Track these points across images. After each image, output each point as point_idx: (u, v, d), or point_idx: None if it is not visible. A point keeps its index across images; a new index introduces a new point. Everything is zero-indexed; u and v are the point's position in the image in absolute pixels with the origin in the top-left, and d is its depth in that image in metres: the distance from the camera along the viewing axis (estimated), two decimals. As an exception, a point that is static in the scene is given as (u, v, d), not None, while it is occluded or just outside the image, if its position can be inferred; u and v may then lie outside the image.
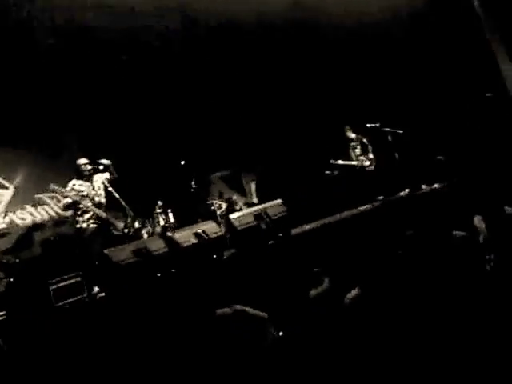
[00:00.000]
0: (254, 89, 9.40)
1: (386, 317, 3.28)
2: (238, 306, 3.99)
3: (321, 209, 7.45)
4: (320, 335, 3.71)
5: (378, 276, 3.58)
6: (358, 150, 8.51)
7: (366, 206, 7.13)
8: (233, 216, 6.38)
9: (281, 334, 3.85)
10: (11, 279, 6.63)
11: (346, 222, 6.66)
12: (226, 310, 3.94)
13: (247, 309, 3.96)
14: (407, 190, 7.47)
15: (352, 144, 8.52)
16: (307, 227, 6.58)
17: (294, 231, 6.50)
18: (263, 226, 6.31)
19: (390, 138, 7.79)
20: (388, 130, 7.71)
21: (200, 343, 3.86)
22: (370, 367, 3.05)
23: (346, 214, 7.00)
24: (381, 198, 7.55)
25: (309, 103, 9.46)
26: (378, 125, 7.73)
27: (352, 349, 3.28)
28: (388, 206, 6.96)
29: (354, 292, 3.58)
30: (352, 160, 8.45)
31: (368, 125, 7.78)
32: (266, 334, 3.78)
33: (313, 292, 4.27)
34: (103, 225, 6.31)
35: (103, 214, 6.31)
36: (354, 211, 7.05)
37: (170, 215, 7.98)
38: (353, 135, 8.50)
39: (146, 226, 7.53)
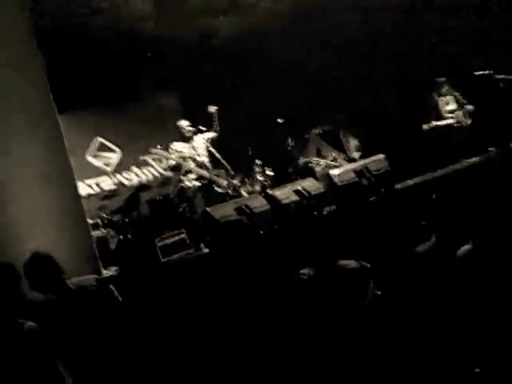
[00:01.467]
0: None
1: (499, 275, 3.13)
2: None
3: (424, 163, 7.16)
4: (427, 294, 3.60)
5: (493, 231, 3.38)
6: (450, 106, 7.89)
7: (475, 158, 6.76)
8: (333, 172, 6.27)
9: (379, 292, 3.75)
10: (121, 237, 7.00)
11: (451, 176, 6.37)
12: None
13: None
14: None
15: (444, 99, 7.89)
16: (411, 182, 6.34)
17: (397, 186, 6.30)
18: (365, 182, 6.16)
19: (502, 85, 7.23)
20: (502, 76, 7.15)
21: (300, 298, 3.86)
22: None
23: (450, 168, 6.68)
24: (492, 149, 7.06)
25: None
26: (490, 72, 7.19)
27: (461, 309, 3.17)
28: (501, 157, 6.54)
29: (466, 247, 3.41)
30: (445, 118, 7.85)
31: (477, 73, 7.26)
32: (368, 291, 3.71)
33: (420, 248, 4.11)
34: (206, 183, 6.47)
35: (206, 174, 6.47)
36: (460, 165, 6.71)
37: (269, 173, 8.02)
38: (444, 89, 7.87)
39: (245, 185, 7.62)
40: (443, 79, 7.93)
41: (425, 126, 7.81)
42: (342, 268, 3.66)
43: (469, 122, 7.86)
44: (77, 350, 3.22)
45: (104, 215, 7.32)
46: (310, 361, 3.33)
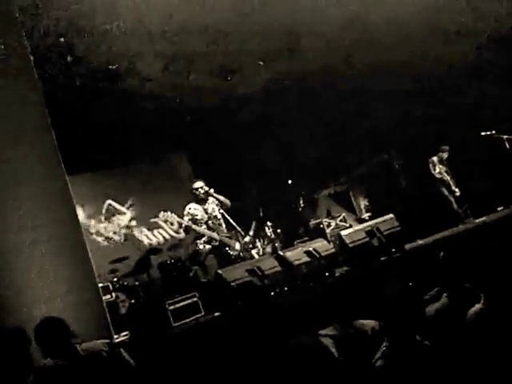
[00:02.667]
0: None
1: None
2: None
3: (434, 223, 7.18)
4: (438, 352, 3.54)
5: (505, 290, 3.35)
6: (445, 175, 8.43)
7: (483, 218, 6.77)
8: (344, 233, 6.29)
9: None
10: (132, 301, 6.97)
11: (462, 235, 6.36)
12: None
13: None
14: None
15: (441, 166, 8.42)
16: (421, 242, 6.34)
17: (408, 246, 6.29)
18: (375, 242, 6.16)
19: (507, 144, 7.41)
20: (506, 136, 7.32)
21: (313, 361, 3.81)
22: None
23: (461, 227, 6.69)
24: (500, 208, 7.14)
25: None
26: (493, 132, 7.35)
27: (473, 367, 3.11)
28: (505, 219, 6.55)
29: (478, 306, 3.37)
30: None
31: (483, 133, 7.43)
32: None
33: (430, 308, 4.07)
34: (217, 246, 6.51)
35: (217, 236, 6.51)
36: (471, 224, 6.72)
37: (280, 235, 8.07)
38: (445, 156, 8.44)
39: (256, 247, 7.64)
40: (447, 147, 8.34)
41: (436, 174, 8.30)
42: (361, 328, 3.64)
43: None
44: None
45: (115, 279, 7.32)
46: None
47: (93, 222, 8.33)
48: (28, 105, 5.04)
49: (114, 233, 8.49)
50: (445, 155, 8.45)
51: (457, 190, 8.36)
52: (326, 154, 9.25)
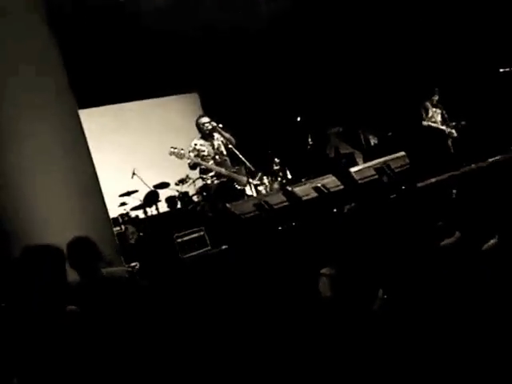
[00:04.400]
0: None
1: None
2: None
3: (445, 162, 7.12)
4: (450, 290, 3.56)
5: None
6: (439, 117, 8.42)
7: (496, 157, 6.67)
8: (353, 169, 6.22)
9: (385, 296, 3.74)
10: (141, 233, 7.03)
11: (473, 174, 6.29)
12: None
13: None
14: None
15: (434, 109, 8.39)
16: (432, 180, 6.27)
17: (419, 184, 6.23)
18: (385, 180, 6.10)
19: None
20: None
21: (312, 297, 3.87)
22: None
23: (473, 166, 6.61)
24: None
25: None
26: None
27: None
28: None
29: (492, 241, 3.37)
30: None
31: (502, 69, 7.22)
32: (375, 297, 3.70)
33: (445, 242, 4.08)
34: (225, 181, 6.49)
35: (225, 171, 6.49)
36: (482, 164, 6.63)
37: (288, 172, 8.02)
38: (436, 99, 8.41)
39: (264, 183, 7.62)
40: (437, 89, 8.37)
41: (424, 123, 8.34)
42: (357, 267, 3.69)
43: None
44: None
45: (124, 211, 7.37)
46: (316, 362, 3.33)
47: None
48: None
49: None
50: (435, 98, 8.39)
51: (453, 131, 8.35)
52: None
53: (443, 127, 8.41)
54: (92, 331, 3.02)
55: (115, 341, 3.21)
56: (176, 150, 6.37)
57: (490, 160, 6.59)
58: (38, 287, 3.07)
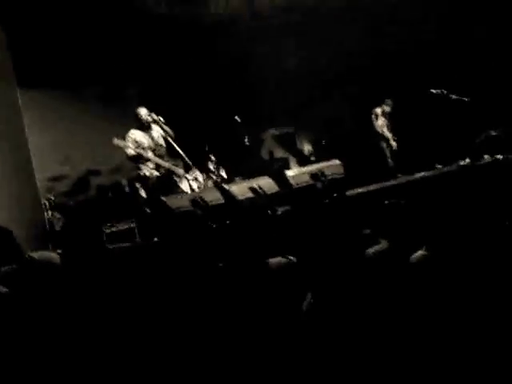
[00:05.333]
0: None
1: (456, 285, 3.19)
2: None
3: (377, 173, 7.37)
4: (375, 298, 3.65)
5: (446, 238, 3.48)
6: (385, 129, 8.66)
7: (423, 173, 6.99)
8: (289, 173, 6.35)
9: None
10: (67, 220, 6.83)
11: (402, 187, 6.55)
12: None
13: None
14: (468, 160, 7.27)
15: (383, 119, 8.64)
16: (363, 190, 6.48)
17: (350, 193, 6.42)
18: (319, 186, 6.25)
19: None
20: (455, 96, 7.48)
21: (250, 294, 3.87)
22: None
23: (403, 179, 6.89)
24: (439, 166, 7.37)
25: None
26: (444, 91, 7.48)
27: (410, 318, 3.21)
28: (447, 174, 6.79)
29: (420, 252, 3.49)
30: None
31: (433, 90, 7.56)
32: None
33: (369, 250, 4.19)
34: (164, 173, 6.47)
35: (164, 163, 6.46)
36: (412, 177, 6.92)
37: (222, 170, 8.03)
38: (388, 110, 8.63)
39: (199, 180, 7.60)
40: (390, 101, 8.61)
41: (377, 128, 8.58)
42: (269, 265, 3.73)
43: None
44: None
45: (51, 197, 7.12)
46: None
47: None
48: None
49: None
50: (387, 108, 8.63)
51: (394, 144, 8.63)
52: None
53: (389, 135, 8.65)
54: (22, 315, 2.94)
55: (46, 326, 3.12)
56: (119, 141, 6.32)
57: (420, 175, 6.89)
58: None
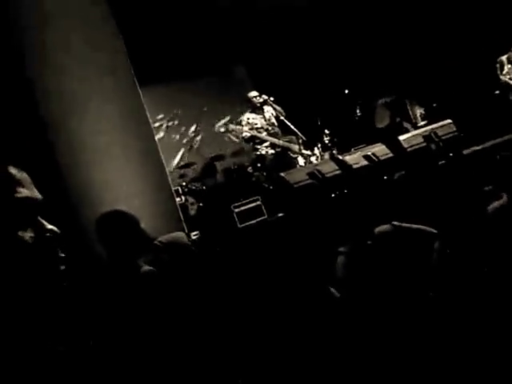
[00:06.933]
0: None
1: None
2: (396, 223, 4.13)
3: (492, 129, 7.20)
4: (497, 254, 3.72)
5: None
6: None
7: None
8: (402, 137, 6.42)
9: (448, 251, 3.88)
10: (200, 204, 7.44)
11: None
12: (384, 226, 4.08)
13: (404, 224, 4.07)
14: None
15: (510, 66, 8.13)
16: (478, 148, 6.42)
17: (466, 151, 6.40)
18: (433, 147, 6.29)
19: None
20: None
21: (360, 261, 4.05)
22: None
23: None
24: None
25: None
26: None
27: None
28: None
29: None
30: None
31: None
32: (433, 250, 3.84)
33: (492, 206, 4.20)
34: (279, 151, 6.82)
35: (278, 142, 6.81)
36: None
37: (337, 142, 8.26)
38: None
39: (315, 154, 7.90)
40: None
41: (502, 78, 8.11)
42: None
43: None
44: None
45: (183, 183, 7.79)
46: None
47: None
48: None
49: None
50: None
51: None
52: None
53: None
54: (167, 294, 3.14)
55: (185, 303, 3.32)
56: (233, 126, 6.78)
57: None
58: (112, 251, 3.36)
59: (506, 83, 8.17)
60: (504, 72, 8.15)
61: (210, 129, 8.27)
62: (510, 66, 8.16)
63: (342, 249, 4.11)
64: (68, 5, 5.06)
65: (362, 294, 3.72)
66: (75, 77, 5.00)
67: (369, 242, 4.03)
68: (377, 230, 4.07)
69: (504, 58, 8.18)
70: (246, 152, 7.65)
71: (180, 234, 4.04)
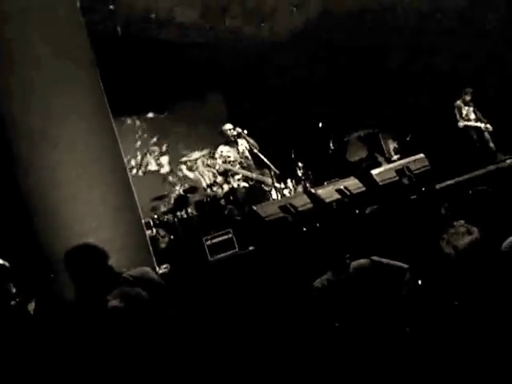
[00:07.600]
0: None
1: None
2: (375, 257, 4.13)
3: (463, 164, 7.29)
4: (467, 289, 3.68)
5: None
6: (473, 115, 8.51)
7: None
8: (374, 172, 6.43)
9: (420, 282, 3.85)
10: (171, 236, 7.33)
11: (490, 176, 6.45)
12: (363, 261, 4.08)
13: (383, 260, 4.08)
14: None
15: (467, 108, 8.48)
16: (451, 182, 6.46)
17: (438, 186, 6.43)
18: (405, 181, 6.30)
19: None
20: None
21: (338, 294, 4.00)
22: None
23: (491, 167, 6.78)
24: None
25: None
26: None
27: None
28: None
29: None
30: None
31: None
32: (405, 283, 3.81)
33: (461, 242, 4.19)
34: (252, 184, 6.80)
35: (251, 174, 6.79)
36: (501, 165, 6.80)
37: (310, 175, 8.27)
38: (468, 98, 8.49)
39: (288, 187, 7.89)
40: (470, 89, 8.46)
41: (460, 124, 8.41)
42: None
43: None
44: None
45: (155, 215, 7.69)
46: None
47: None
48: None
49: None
50: (467, 97, 8.49)
51: (488, 126, 8.46)
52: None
53: (478, 124, 8.51)
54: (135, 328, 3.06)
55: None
56: (210, 162, 6.78)
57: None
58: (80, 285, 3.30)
59: (466, 126, 8.46)
60: (463, 115, 8.48)
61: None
62: (467, 108, 8.51)
63: (316, 283, 4.03)
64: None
65: (339, 326, 3.70)
66: (45, 113, 4.97)
67: (343, 276, 3.98)
68: (354, 263, 4.05)
69: (459, 102, 8.53)
70: (219, 185, 7.60)
71: (147, 269, 3.97)
